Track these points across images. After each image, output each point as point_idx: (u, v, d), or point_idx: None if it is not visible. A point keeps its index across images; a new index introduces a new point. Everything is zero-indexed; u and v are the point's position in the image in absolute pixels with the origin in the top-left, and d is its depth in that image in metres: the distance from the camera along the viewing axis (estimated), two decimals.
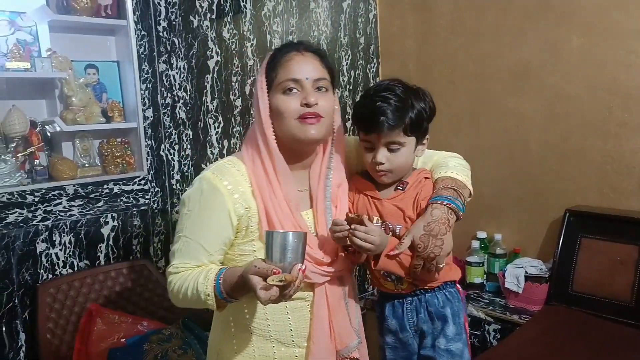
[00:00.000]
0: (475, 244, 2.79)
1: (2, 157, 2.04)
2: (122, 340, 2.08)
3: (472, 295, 2.64)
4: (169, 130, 2.45)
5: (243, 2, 2.68)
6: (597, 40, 2.51)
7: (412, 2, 3.22)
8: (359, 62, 3.32)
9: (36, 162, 2.15)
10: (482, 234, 2.84)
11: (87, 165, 2.28)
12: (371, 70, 3.41)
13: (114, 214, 2.30)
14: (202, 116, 2.54)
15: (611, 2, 2.44)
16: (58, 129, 2.15)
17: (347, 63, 3.26)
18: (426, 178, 1.37)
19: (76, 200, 2.19)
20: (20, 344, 2.07)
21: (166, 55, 2.40)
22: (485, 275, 2.73)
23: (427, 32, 3.18)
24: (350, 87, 3.31)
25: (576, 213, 2.49)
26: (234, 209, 1.19)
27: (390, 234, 1.31)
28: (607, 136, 2.52)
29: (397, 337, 1.39)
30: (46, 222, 2.12)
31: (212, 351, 1.34)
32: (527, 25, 2.73)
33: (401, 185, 1.35)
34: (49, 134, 2.23)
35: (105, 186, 2.27)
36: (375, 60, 3.42)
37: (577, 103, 2.60)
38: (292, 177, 1.23)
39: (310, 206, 1.28)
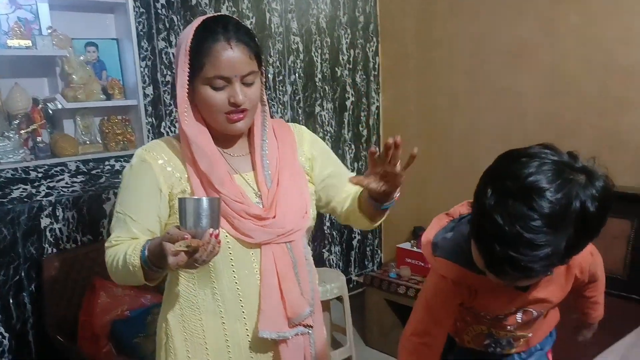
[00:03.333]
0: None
1: (6, 134, 2.08)
2: (125, 312, 2.14)
3: None
4: (170, 108, 2.48)
5: None
6: (595, 18, 2.52)
7: None
8: (358, 41, 3.33)
9: (38, 139, 2.18)
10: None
11: (88, 142, 2.32)
12: (371, 50, 3.41)
13: (115, 190, 2.34)
14: None
15: None
16: (59, 106, 2.18)
17: (346, 42, 3.27)
18: None
19: (78, 177, 2.23)
20: (27, 315, 2.13)
21: (165, 33, 2.42)
22: None
23: (426, 11, 3.19)
24: (350, 66, 3.32)
25: None
26: (162, 176, 1.20)
27: (532, 317, 1.13)
28: (604, 113, 2.55)
29: None
30: (49, 198, 2.17)
31: (160, 332, 1.31)
32: (524, 3, 2.74)
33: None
34: (50, 112, 2.26)
35: (106, 163, 2.31)
36: (374, 39, 3.43)
37: (574, 80, 2.62)
38: (214, 154, 1.22)
39: (252, 168, 1.28)
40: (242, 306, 1.23)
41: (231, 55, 1.15)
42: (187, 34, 1.17)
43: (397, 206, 1.09)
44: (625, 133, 2.49)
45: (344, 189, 1.38)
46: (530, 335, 1.18)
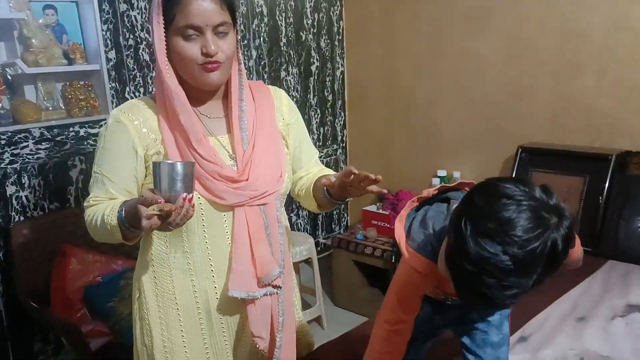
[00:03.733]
0: (436, 181, 2.94)
1: None
2: (97, 278, 2.15)
3: None
4: (134, 73, 2.44)
5: None
6: None
7: None
8: (322, 5, 3.33)
9: None
10: (442, 172, 2.99)
11: (50, 108, 2.27)
12: (334, 13, 3.42)
13: (81, 157, 2.32)
14: None
15: None
16: (19, 71, 2.13)
17: (310, 6, 3.26)
18: None
19: (43, 143, 2.20)
20: None
21: None
22: None
23: None
24: (315, 30, 3.32)
25: (527, 149, 2.64)
26: (138, 137, 1.21)
27: None
28: (558, 76, 2.66)
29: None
30: (14, 165, 2.13)
31: (134, 289, 1.34)
32: None
33: None
34: (9, 77, 2.20)
35: (71, 129, 2.28)
36: (338, 2, 3.43)
37: (531, 44, 2.71)
38: (193, 112, 1.21)
39: (228, 131, 1.28)
40: (211, 265, 1.26)
41: (201, 3, 1.14)
42: None
43: (362, 169, 1.13)
44: (578, 95, 2.61)
45: (306, 166, 1.41)
46: None
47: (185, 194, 1.04)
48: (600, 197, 2.39)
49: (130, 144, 1.20)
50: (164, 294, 1.27)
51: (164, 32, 1.16)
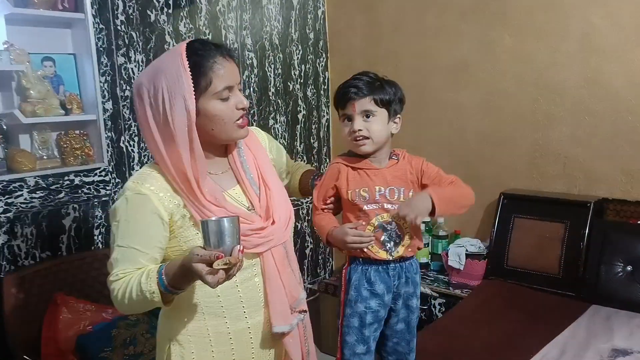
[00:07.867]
0: (421, 227, 3.01)
1: None
2: (88, 327, 2.12)
3: None
4: (129, 123, 2.49)
5: None
6: (526, 40, 2.78)
7: (358, 1, 3.39)
8: (309, 57, 3.46)
9: None
10: (426, 218, 3.06)
11: (45, 157, 2.29)
12: (320, 65, 3.55)
13: (75, 205, 2.33)
14: None
15: (538, 5, 2.71)
16: (17, 121, 2.15)
17: (298, 57, 3.39)
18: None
19: (37, 192, 2.21)
20: None
21: (124, 49, 2.45)
22: (430, 255, 2.96)
23: (372, 30, 3.37)
24: (302, 81, 3.44)
25: (509, 196, 2.75)
26: (162, 205, 1.23)
27: (396, 196, 1.55)
28: (536, 126, 2.80)
29: (382, 300, 1.57)
30: (7, 214, 2.13)
31: (163, 340, 1.35)
32: (463, 25, 2.97)
33: (395, 156, 1.61)
34: (4, 127, 2.22)
35: (66, 178, 2.29)
36: (324, 55, 3.57)
37: (509, 96, 2.86)
38: (208, 177, 1.28)
39: (237, 182, 1.36)
40: (243, 306, 1.31)
41: (229, 65, 1.25)
42: (175, 61, 1.20)
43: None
44: (555, 144, 2.75)
45: (291, 170, 1.64)
46: (408, 230, 1.57)
47: (237, 246, 1.09)
48: (581, 243, 2.48)
49: (156, 212, 1.22)
50: (199, 339, 1.30)
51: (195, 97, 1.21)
